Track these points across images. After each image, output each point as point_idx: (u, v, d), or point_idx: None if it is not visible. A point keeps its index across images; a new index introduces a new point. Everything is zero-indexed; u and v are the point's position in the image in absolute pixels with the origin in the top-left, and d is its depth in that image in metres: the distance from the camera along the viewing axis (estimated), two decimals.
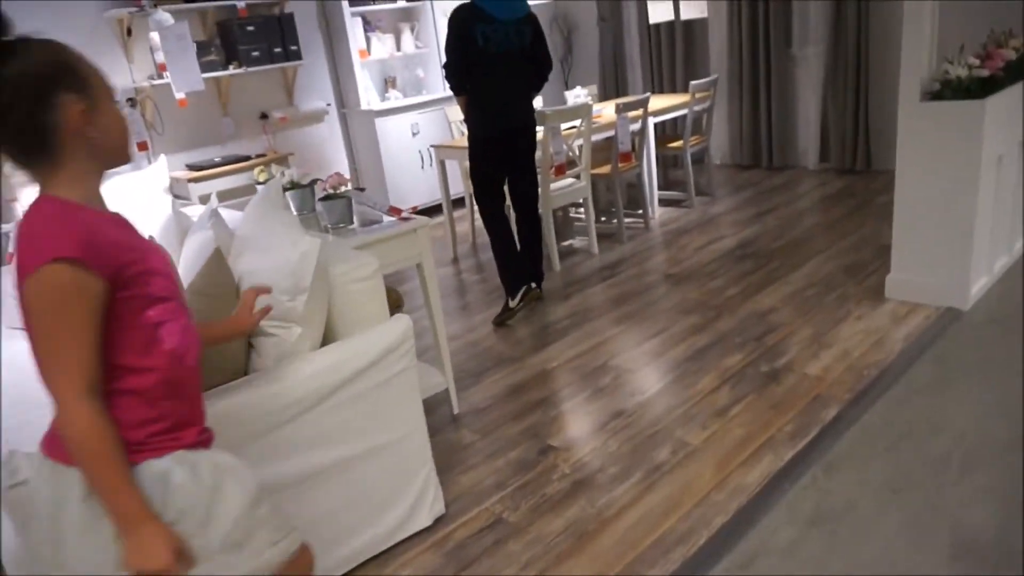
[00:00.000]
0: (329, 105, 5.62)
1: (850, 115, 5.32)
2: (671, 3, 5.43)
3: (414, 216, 2.47)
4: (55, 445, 1.18)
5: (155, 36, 4.36)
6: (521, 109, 3.55)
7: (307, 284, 1.69)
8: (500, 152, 3.51)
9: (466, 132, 3.73)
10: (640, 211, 4.90)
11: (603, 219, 4.94)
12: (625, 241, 4.58)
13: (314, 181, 2.79)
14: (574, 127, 4.20)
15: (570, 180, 4.24)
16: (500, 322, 3.57)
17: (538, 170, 3.76)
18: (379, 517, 1.95)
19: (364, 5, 5.43)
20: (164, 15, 4.26)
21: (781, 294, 3.47)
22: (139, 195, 2.81)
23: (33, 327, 1.10)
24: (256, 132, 5.24)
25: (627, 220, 4.82)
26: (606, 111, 4.78)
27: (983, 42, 3.17)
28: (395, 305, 2.87)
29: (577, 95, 4.89)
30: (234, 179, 4.86)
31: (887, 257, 3.26)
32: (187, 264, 2.09)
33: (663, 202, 5.26)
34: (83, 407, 1.10)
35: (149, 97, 4.69)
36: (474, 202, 3.92)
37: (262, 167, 3.02)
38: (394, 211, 2.48)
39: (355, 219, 2.51)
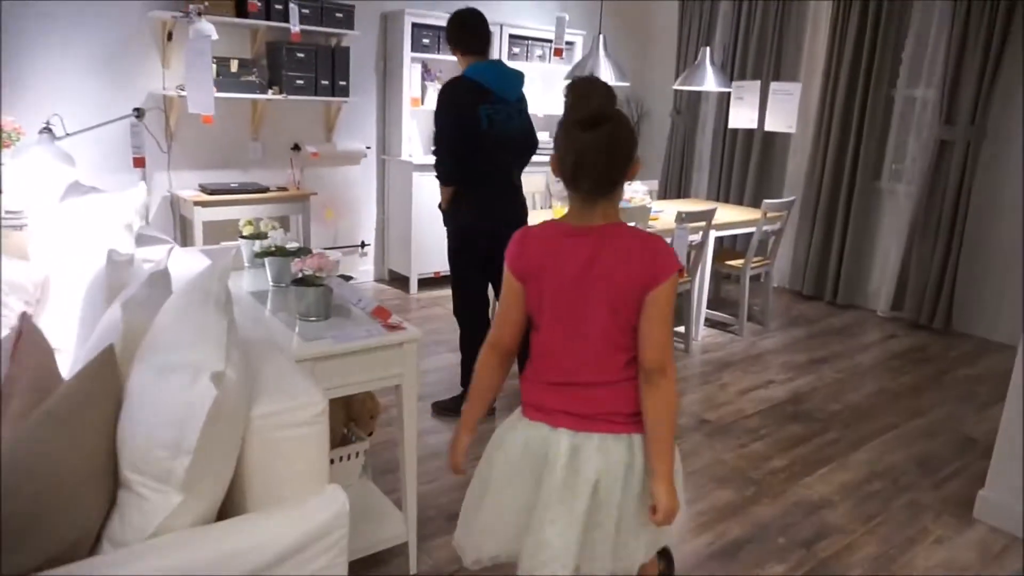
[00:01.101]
0: (369, 148, 5.22)
1: (936, 265, 4.72)
2: (756, 111, 4.95)
3: (404, 326, 1.94)
4: (609, 420, 1.46)
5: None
6: (520, 202, 3.14)
7: (191, 445, 1.15)
8: (486, 250, 2.97)
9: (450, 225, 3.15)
10: (682, 328, 4.33)
11: None
12: None
13: (301, 250, 2.30)
14: None
15: None
16: (441, 409, 3.19)
17: None
18: None
19: (427, 53, 5.06)
20: (207, 26, 3.90)
21: (838, 482, 2.84)
22: (99, 222, 2.34)
23: (661, 315, 1.41)
24: (286, 163, 4.83)
25: None
26: (665, 214, 4.27)
27: None
28: (369, 416, 2.33)
29: (636, 191, 4.39)
30: (247, 210, 4.43)
31: (972, 455, 2.65)
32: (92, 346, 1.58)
33: (709, 322, 4.68)
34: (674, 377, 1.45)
35: (175, 108, 4.32)
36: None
37: (249, 221, 2.53)
38: (379, 313, 1.95)
39: (329, 313, 1.99)
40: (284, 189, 4.67)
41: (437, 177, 3.01)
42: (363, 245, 5.38)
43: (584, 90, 1.41)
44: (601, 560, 1.45)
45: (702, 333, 4.49)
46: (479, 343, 1.62)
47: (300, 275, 1.98)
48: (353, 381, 1.87)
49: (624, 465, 1.45)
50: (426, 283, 5.25)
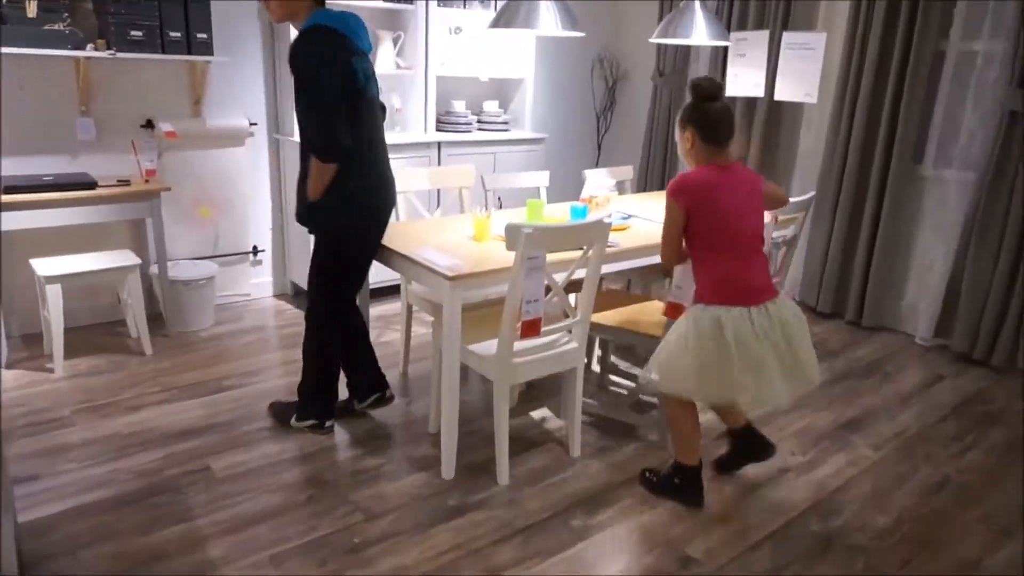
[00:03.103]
0: (255, 125, 3.96)
1: (999, 279, 3.55)
2: (763, 72, 3.70)
3: None
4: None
5: None
6: (392, 179, 2.65)
7: None
8: (374, 238, 2.61)
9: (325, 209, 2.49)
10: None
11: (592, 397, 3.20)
12: (628, 438, 2.84)
13: None
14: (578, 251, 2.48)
15: (551, 338, 2.51)
16: (276, 412, 2.85)
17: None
18: None
19: None
20: None
21: None
22: None
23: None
24: (136, 146, 3.58)
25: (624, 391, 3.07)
26: (640, 222, 3.06)
27: None
28: None
29: (596, 185, 3.17)
30: (65, 214, 3.21)
31: None
32: None
33: None
34: None
35: None
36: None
37: None
38: None
39: None
40: (126, 182, 3.43)
41: (318, 153, 2.34)
42: (255, 251, 4.16)
43: (699, 80, 2.22)
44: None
45: None
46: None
47: None
48: None
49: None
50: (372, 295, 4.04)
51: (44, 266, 3.16)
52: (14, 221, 3.12)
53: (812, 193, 3.33)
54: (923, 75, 3.80)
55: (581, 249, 2.41)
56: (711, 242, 2.20)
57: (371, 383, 2.86)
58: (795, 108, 4.37)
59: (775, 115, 4.41)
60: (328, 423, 2.76)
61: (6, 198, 3.07)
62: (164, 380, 3.16)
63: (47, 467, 2.49)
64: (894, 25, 3.79)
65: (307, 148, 2.41)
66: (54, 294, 3.10)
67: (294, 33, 2.39)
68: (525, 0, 2.60)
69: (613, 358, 3.47)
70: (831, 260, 4.22)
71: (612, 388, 3.29)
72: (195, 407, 2.95)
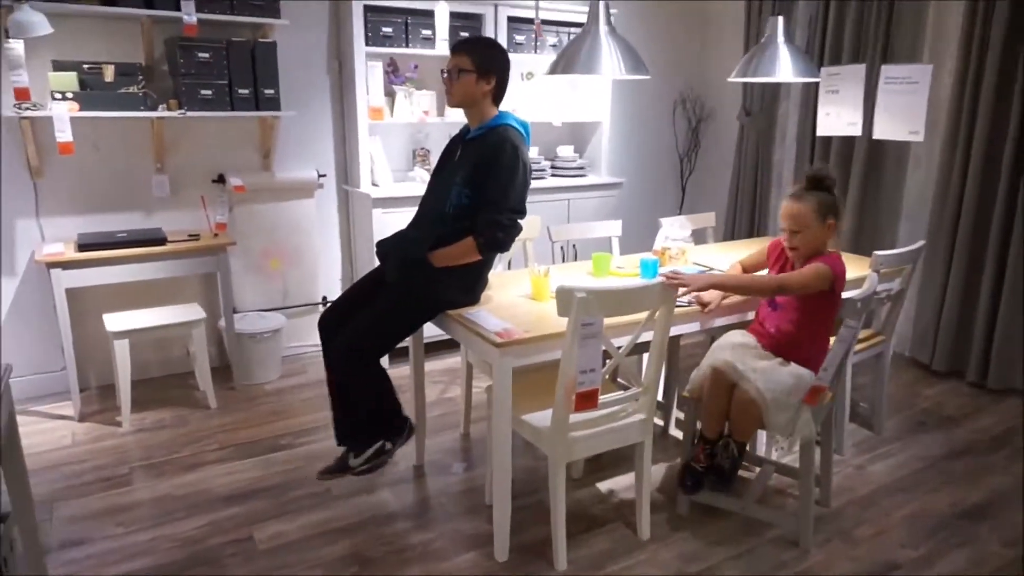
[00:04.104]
0: (324, 176, 3.96)
1: None
2: (859, 110, 3.36)
3: None
4: None
5: (16, 47, 2.84)
6: None
7: None
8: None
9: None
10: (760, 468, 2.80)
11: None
12: (709, 517, 2.52)
13: None
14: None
15: (611, 410, 2.26)
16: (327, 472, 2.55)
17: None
18: None
19: (390, 47, 3.74)
20: (34, 16, 2.72)
21: None
22: None
23: None
24: (208, 200, 3.62)
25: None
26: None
27: None
28: None
29: (673, 238, 2.92)
30: (134, 270, 3.25)
31: None
32: None
33: None
34: None
35: (32, 134, 3.19)
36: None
37: None
38: None
39: None
40: (196, 237, 3.46)
41: (490, 246, 2.37)
42: (324, 302, 4.12)
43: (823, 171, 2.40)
44: None
45: (775, 450, 2.96)
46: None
47: None
48: None
49: None
50: (433, 348, 3.92)
51: (113, 321, 3.20)
52: (89, 277, 3.18)
53: (921, 243, 2.96)
54: None
55: (647, 311, 2.17)
56: (828, 327, 2.37)
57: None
58: (900, 146, 3.97)
59: (876, 154, 4.02)
60: (392, 442, 2.54)
61: (80, 255, 3.14)
62: (222, 437, 3.11)
63: (95, 531, 2.43)
64: (1014, 51, 3.38)
65: (453, 220, 2.37)
66: (121, 349, 3.12)
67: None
68: (585, 45, 2.42)
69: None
70: (947, 312, 3.74)
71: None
72: (248, 468, 2.86)
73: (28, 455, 2.91)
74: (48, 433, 3.13)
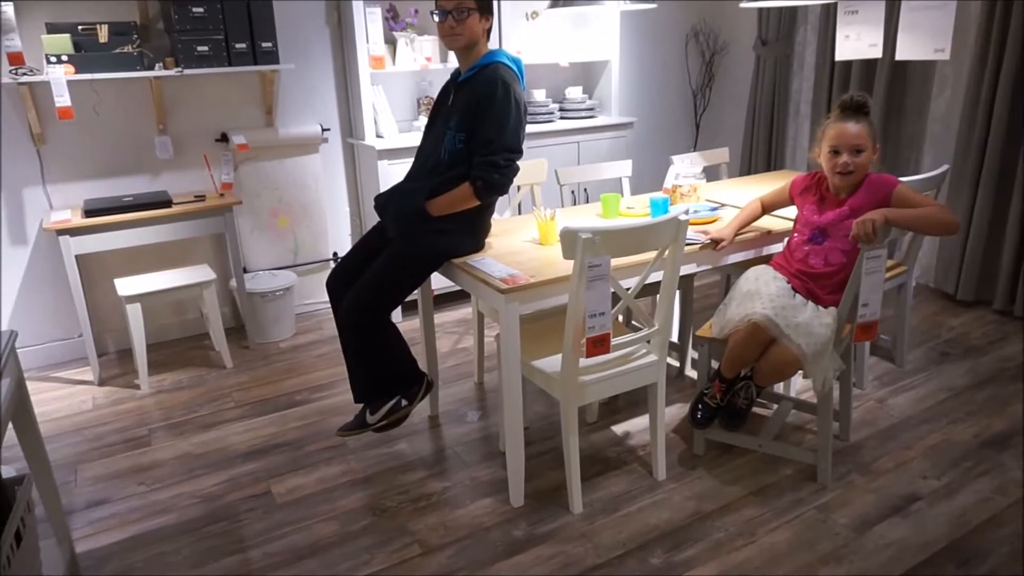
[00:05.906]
0: (328, 131, 3.89)
1: None
2: (879, 31, 3.19)
3: None
4: None
5: (7, 9, 2.79)
6: None
7: None
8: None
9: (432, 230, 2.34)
10: (774, 404, 2.76)
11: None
12: (726, 455, 2.49)
13: None
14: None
15: (623, 352, 2.22)
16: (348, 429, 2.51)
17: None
18: None
19: None
20: None
21: None
22: None
23: None
24: (212, 160, 3.59)
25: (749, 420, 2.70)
26: (733, 213, 2.70)
27: None
28: None
29: (684, 175, 2.82)
30: (142, 233, 3.24)
31: None
32: None
33: None
34: None
35: (33, 101, 3.16)
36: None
37: None
38: None
39: None
40: (201, 198, 3.43)
41: (488, 189, 2.28)
42: (335, 258, 4.10)
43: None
44: None
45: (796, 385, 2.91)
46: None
47: None
48: None
49: None
50: (446, 299, 3.94)
51: (124, 286, 3.21)
52: (98, 243, 3.18)
53: (945, 167, 2.83)
54: None
55: (657, 250, 2.10)
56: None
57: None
58: (925, 67, 3.79)
59: (900, 76, 3.85)
60: (408, 399, 2.49)
61: (88, 221, 3.13)
62: (239, 395, 3.13)
63: (117, 490, 2.48)
64: None
65: (448, 167, 2.30)
66: (134, 312, 3.14)
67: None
68: None
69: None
70: (973, 240, 3.62)
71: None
72: (265, 424, 2.88)
73: (51, 420, 2.99)
74: (69, 398, 3.18)
